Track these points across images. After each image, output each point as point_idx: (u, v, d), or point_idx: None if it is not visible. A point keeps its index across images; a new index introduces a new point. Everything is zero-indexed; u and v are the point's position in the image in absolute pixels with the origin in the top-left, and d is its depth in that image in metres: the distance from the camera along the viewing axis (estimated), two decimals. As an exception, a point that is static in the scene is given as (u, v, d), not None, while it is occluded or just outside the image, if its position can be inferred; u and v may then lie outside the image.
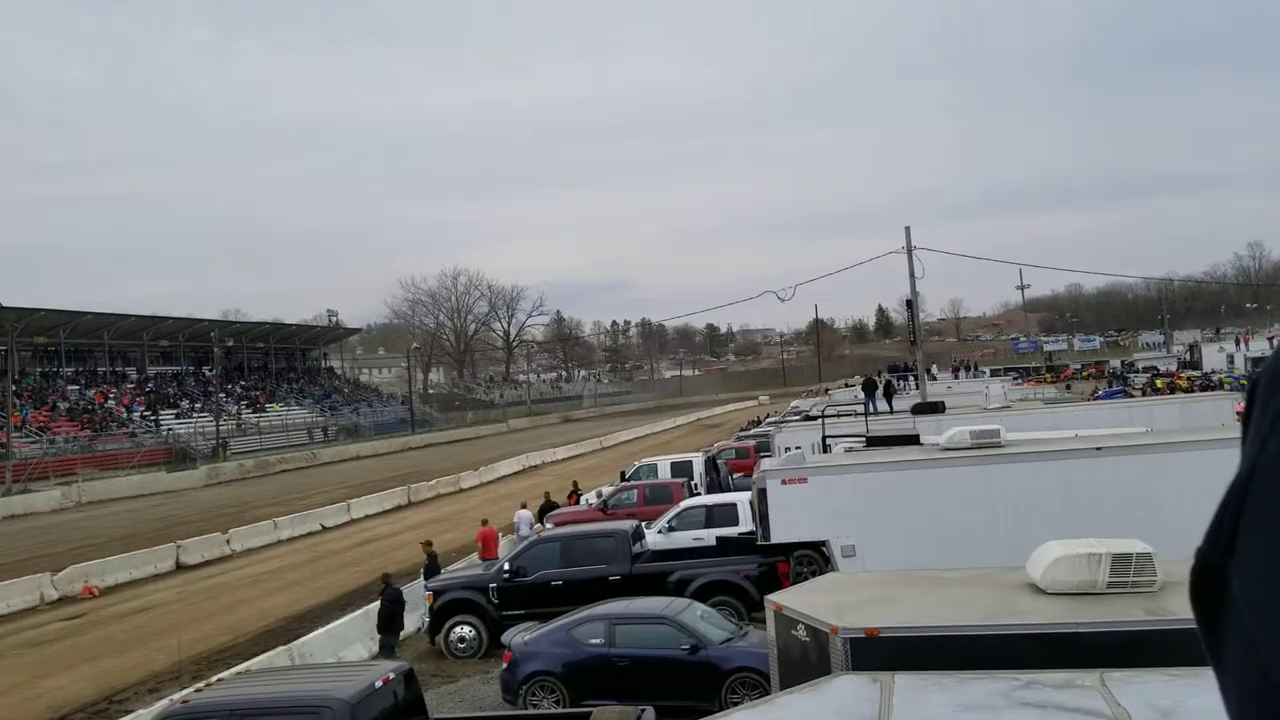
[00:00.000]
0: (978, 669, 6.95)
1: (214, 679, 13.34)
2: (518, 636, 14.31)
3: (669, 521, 22.06)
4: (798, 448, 24.30)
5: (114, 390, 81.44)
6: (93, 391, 79.36)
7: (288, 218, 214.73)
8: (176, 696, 12.28)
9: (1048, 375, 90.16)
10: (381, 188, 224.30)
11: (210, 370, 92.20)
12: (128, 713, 14.29)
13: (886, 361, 78.74)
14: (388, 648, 16.46)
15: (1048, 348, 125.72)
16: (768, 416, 58.41)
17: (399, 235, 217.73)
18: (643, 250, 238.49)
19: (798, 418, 39.36)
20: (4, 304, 71.85)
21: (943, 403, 31.33)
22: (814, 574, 15.96)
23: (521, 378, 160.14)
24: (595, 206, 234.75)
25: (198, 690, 11.51)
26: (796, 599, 9.62)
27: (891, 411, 34.23)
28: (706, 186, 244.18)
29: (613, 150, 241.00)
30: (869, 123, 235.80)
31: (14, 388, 67.15)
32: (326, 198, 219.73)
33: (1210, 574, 0.71)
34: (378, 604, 16.97)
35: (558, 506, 28.95)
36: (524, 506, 27.55)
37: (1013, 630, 7.96)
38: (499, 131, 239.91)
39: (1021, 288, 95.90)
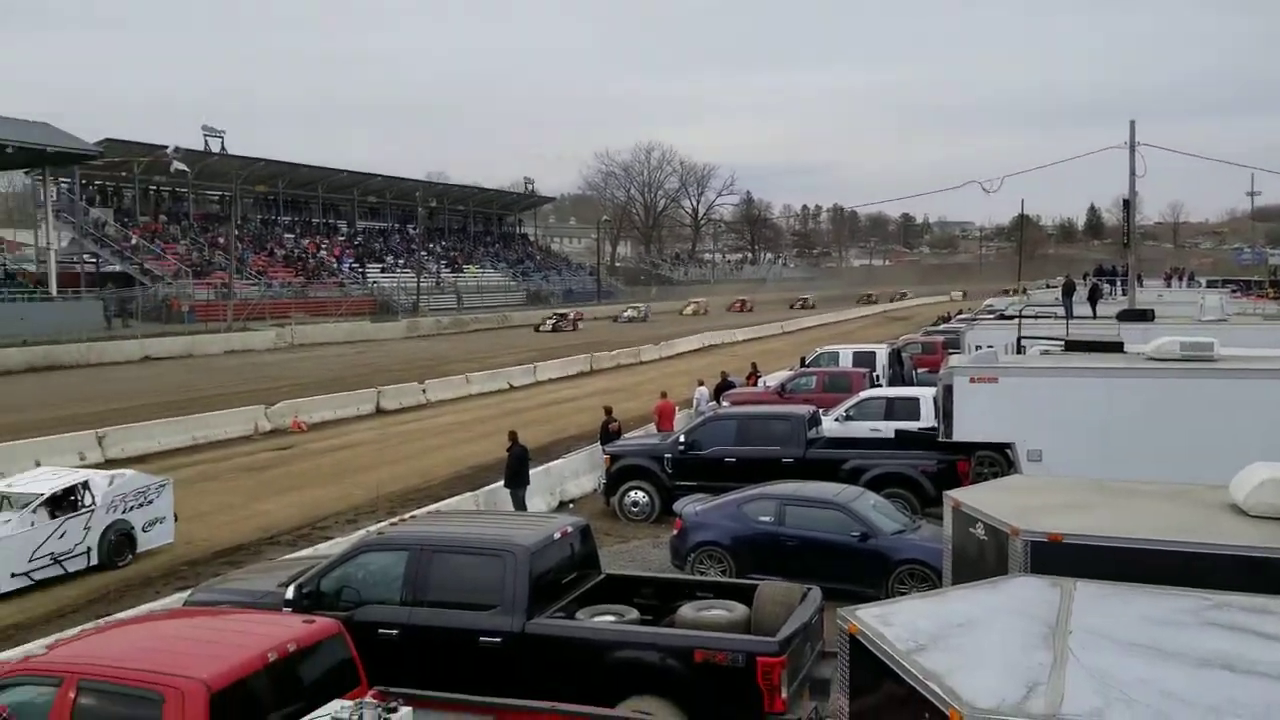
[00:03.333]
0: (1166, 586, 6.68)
1: (407, 515, 14.28)
2: (689, 506, 14.63)
3: (847, 410, 21.86)
4: (989, 346, 23.52)
5: (326, 241, 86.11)
6: (306, 241, 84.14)
7: (490, 83, 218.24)
8: (373, 528, 13.24)
9: (1271, 290, 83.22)
10: (584, 57, 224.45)
11: (414, 229, 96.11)
12: (328, 539, 15.47)
13: (1093, 264, 74.50)
14: (517, 499, 17.20)
15: (1273, 261, 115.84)
16: (959, 313, 56.52)
17: (597, 106, 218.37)
18: (839, 134, 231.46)
19: (991, 316, 37.95)
20: (229, 152, 76.45)
21: (1152, 311, 29.49)
22: (994, 476, 15.60)
23: (706, 257, 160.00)
24: (793, 86, 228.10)
25: (392, 524, 12.37)
26: (977, 497, 9.43)
27: (1095, 317, 32.51)
28: (912, 67, 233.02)
29: (812, 27, 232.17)
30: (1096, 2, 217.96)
31: (236, 232, 71.92)
32: (528, 65, 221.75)
33: None
34: (521, 459, 17.52)
35: (734, 386, 29.11)
36: (701, 384, 27.83)
37: (1209, 550, 7.56)
38: (699, 5, 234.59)
39: (1251, 194, 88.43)
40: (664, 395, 24.74)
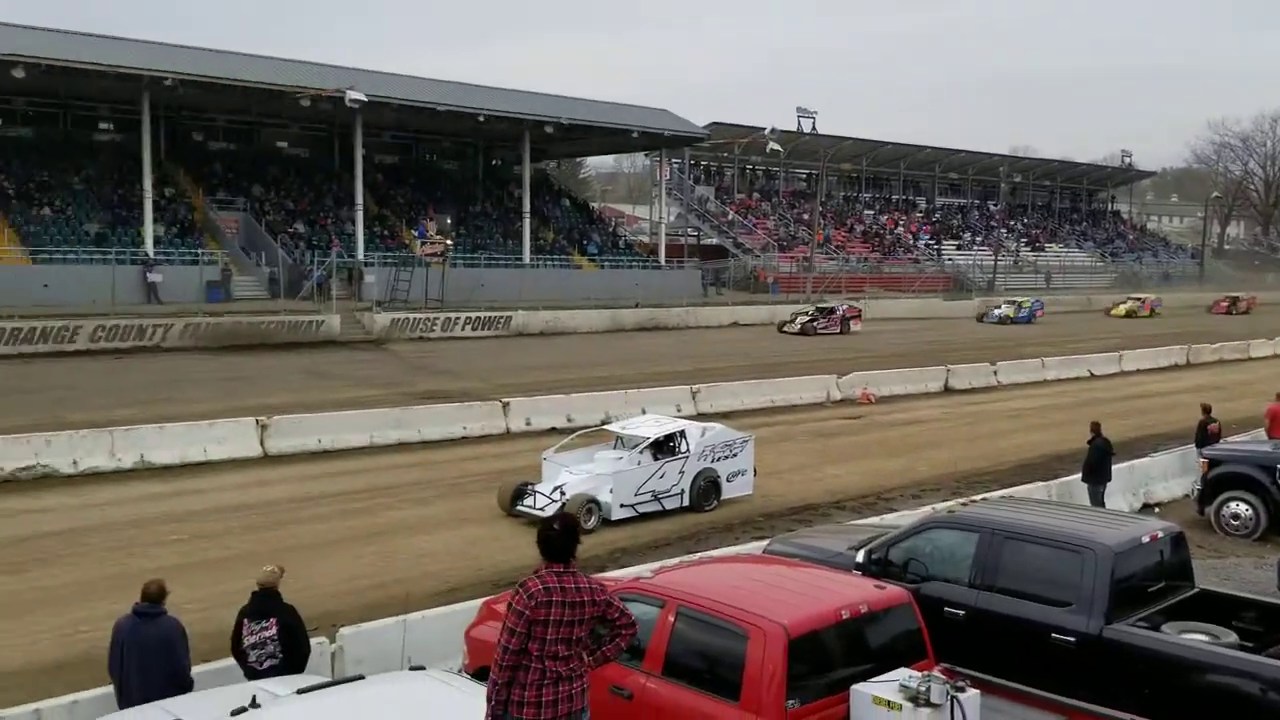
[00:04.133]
0: None
1: (977, 497, 14.06)
2: (1308, 528, 12.69)
3: None
4: None
5: (903, 218, 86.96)
6: (885, 217, 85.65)
7: (1088, 52, 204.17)
8: (941, 505, 13.22)
9: None
10: (1203, 16, 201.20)
11: (994, 205, 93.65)
12: (892, 510, 15.72)
13: None
14: (1095, 495, 15.98)
15: None
16: None
17: (1214, 72, 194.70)
18: None
19: None
20: (819, 132, 79.92)
21: None
22: None
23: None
24: None
25: (962, 504, 12.24)
26: None
27: None
28: None
29: None
30: None
31: (820, 209, 75.34)
32: (1130, 30, 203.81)
33: None
34: (1103, 453, 16.24)
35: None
36: (1331, 388, 23.84)
37: None
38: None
39: None
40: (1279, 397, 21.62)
